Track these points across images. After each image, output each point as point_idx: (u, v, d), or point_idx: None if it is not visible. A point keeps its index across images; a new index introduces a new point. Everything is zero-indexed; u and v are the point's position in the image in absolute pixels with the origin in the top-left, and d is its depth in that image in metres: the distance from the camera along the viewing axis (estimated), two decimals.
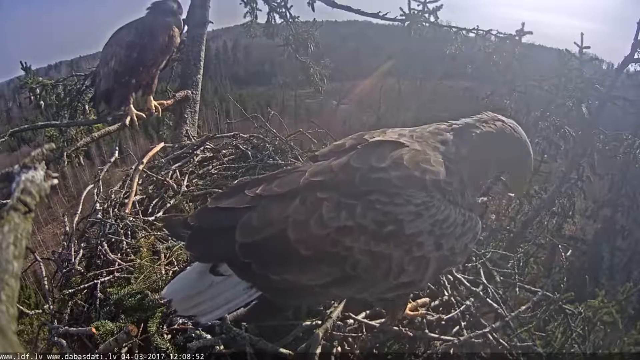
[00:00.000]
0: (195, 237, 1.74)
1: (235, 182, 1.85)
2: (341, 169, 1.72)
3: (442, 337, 2.24)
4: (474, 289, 2.64)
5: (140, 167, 3.78)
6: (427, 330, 2.25)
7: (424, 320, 2.29)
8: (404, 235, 1.64)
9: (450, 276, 2.69)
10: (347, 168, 1.71)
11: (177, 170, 3.88)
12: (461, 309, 2.46)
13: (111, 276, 2.62)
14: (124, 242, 2.89)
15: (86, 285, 2.62)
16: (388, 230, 1.63)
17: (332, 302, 2.34)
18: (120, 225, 3.03)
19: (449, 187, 1.73)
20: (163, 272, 2.55)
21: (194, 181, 3.78)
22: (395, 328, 2.23)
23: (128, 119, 3.99)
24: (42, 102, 5.15)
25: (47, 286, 2.90)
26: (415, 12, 5.20)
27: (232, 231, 1.67)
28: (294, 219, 1.65)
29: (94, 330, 2.15)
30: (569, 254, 2.92)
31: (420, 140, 1.82)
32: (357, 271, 1.66)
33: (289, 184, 1.73)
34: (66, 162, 4.59)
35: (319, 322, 2.19)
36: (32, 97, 5.15)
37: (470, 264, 2.92)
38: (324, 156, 1.88)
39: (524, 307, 2.56)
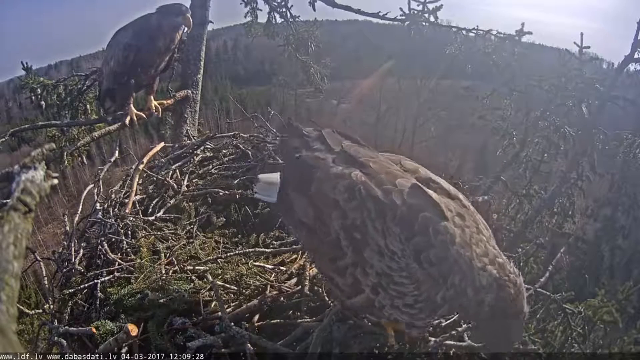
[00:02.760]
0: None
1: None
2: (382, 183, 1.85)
3: (443, 341, 2.23)
4: None
5: (141, 167, 3.78)
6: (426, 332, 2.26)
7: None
8: (361, 252, 1.79)
9: None
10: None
11: (177, 170, 3.87)
12: None
13: (111, 276, 2.62)
14: (124, 242, 2.90)
15: (86, 285, 2.62)
16: (354, 236, 1.80)
17: (331, 302, 2.34)
18: (121, 225, 3.03)
19: (432, 270, 1.71)
20: (163, 271, 2.55)
21: (194, 181, 3.78)
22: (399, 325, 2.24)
23: (128, 118, 3.98)
24: (43, 102, 5.15)
25: (47, 286, 2.91)
26: (415, 12, 5.18)
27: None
28: (331, 170, 1.94)
29: (94, 330, 2.16)
30: (562, 250, 2.92)
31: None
32: (324, 239, 1.90)
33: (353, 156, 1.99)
34: (67, 163, 4.59)
35: (319, 321, 2.19)
36: (33, 97, 5.15)
37: None
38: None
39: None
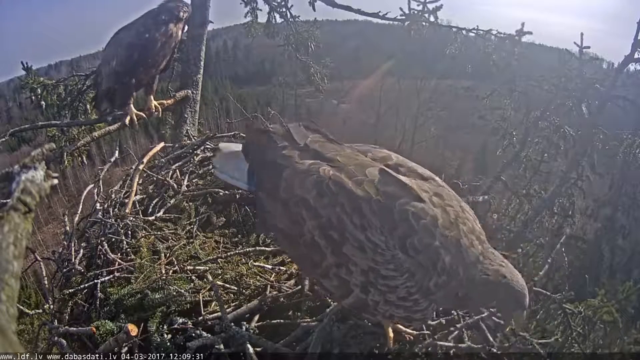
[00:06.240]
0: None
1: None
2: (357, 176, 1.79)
3: (443, 343, 2.23)
4: None
5: (141, 167, 3.78)
6: (427, 333, 2.25)
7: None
8: (340, 250, 1.72)
9: None
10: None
11: (177, 170, 3.87)
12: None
13: (111, 276, 2.62)
14: (124, 242, 2.90)
15: (86, 285, 2.62)
16: (330, 235, 1.73)
17: (332, 301, 2.34)
18: (121, 225, 3.03)
19: (420, 258, 1.68)
20: (163, 271, 2.55)
21: (194, 181, 3.78)
22: (398, 326, 2.24)
23: (128, 118, 3.99)
24: (43, 102, 5.15)
25: (47, 286, 2.91)
26: (415, 12, 5.19)
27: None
28: (298, 168, 1.83)
29: (94, 330, 2.16)
30: (558, 245, 2.93)
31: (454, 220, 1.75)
32: (300, 242, 1.81)
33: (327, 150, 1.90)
34: (66, 163, 4.59)
35: (319, 321, 2.19)
36: (33, 97, 5.15)
37: None
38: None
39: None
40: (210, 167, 2.53)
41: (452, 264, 1.69)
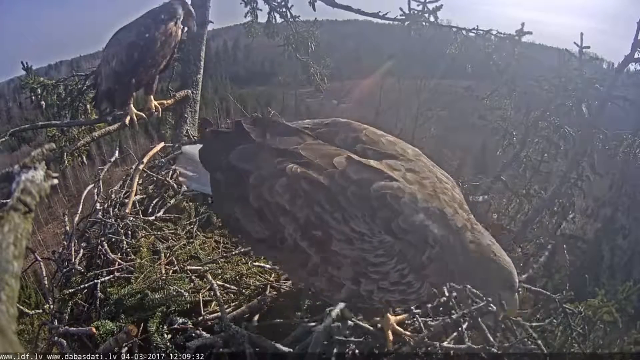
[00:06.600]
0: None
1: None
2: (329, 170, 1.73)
3: (443, 344, 2.23)
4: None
5: (141, 167, 3.78)
6: (426, 334, 2.25)
7: (421, 324, 2.30)
8: (326, 248, 1.69)
9: None
10: (334, 173, 1.71)
11: (177, 170, 3.87)
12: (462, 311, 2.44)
13: (111, 276, 2.62)
14: (124, 242, 2.90)
15: (86, 285, 2.62)
16: (314, 235, 1.69)
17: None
18: (121, 225, 3.03)
19: (409, 237, 1.67)
20: (163, 271, 2.55)
21: None
22: (398, 327, 2.24)
23: (128, 118, 3.99)
24: (43, 102, 5.15)
25: (47, 286, 2.91)
26: (415, 12, 5.19)
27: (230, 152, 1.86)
28: (264, 171, 1.76)
29: (94, 330, 2.16)
30: (541, 246, 2.93)
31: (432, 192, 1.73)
32: (282, 247, 1.78)
33: (286, 143, 1.82)
34: (66, 163, 4.59)
35: (319, 321, 2.19)
36: (33, 97, 5.15)
37: None
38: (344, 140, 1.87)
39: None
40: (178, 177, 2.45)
41: (441, 234, 1.69)
